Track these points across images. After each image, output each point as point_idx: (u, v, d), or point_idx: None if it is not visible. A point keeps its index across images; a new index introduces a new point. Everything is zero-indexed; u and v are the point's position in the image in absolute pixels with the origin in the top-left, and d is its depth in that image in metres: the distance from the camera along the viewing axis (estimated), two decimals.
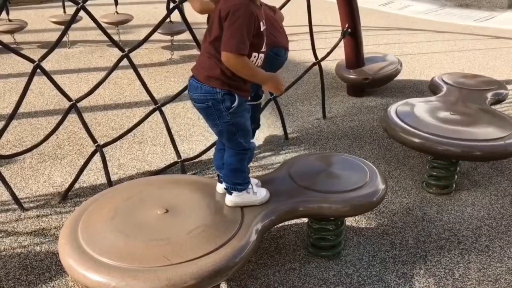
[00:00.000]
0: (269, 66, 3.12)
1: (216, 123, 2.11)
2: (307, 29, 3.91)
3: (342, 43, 4.43)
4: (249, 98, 2.20)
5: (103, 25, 3.21)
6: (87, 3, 2.91)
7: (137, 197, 2.25)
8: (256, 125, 3.20)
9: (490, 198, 3.02)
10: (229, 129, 2.11)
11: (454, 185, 3.08)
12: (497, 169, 3.35)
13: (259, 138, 3.78)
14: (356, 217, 2.80)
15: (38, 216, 2.83)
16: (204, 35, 2.09)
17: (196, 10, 2.30)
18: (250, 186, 2.24)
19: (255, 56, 2.04)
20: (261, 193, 2.27)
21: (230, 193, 2.23)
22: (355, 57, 4.54)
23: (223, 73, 2.01)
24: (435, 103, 3.40)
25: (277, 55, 3.02)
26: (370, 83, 4.51)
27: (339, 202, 2.28)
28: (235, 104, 2.05)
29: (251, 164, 2.40)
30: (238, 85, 2.05)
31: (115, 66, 3.07)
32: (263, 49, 2.08)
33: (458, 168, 3.05)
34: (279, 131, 3.90)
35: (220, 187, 2.34)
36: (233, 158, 2.20)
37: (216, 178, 2.42)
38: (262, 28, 2.02)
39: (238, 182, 2.21)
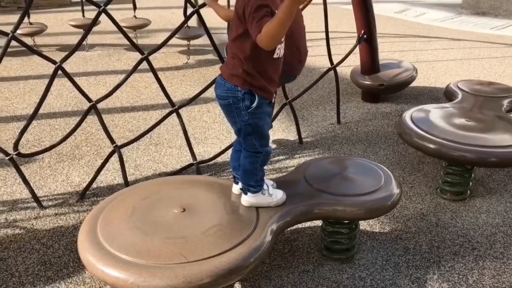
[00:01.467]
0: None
1: (235, 120, 2.15)
2: (322, 35, 3.94)
3: (357, 49, 4.45)
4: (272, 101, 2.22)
5: None
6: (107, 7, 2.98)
7: (154, 196, 2.29)
8: None
9: (505, 206, 3.01)
10: (246, 129, 2.15)
11: (468, 192, 3.08)
12: None
13: (273, 142, 3.81)
14: (370, 221, 2.81)
15: (56, 214, 2.89)
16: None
17: (222, 18, 2.39)
18: (265, 188, 2.27)
19: (278, 48, 2.05)
20: (277, 195, 2.30)
21: (246, 193, 2.27)
22: (371, 63, 4.55)
23: (245, 72, 2.05)
24: (450, 109, 3.40)
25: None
26: (385, 89, 4.52)
27: (353, 205, 2.30)
28: (254, 104, 2.09)
29: (265, 167, 2.42)
30: (260, 85, 2.08)
31: (135, 68, 3.13)
32: (283, 39, 2.05)
33: (473, 175, 3.04)
34: (293, 135, 3.92)
35: (236, 188, 2.37)
36: (247, 160, 2.24)
37: (232, 179, 2.45)
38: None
39: (251, 184, 2.25)
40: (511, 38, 7.11)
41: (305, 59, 2.88)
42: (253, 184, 2.25)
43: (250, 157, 2.23)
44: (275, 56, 2.06)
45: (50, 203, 3.00)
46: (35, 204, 2.95)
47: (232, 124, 2.21)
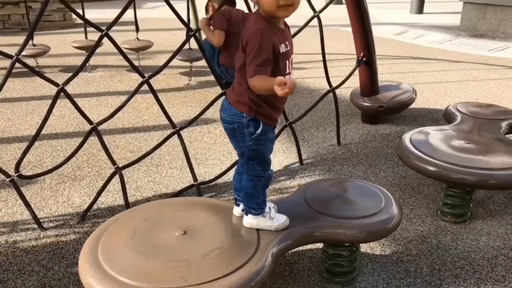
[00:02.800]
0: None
1: (239, 145, 2.18)
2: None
3: (357, 71, 4.49)
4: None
5: (124, 51, 3.31)
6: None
7: (155, 218, 2.30)
8: None
9: (506, 228, 3.00)
10: (249, 154, 2.18)
11: (469, 214, 3.08)
12: None
13: (274, 163, 3.82)
14: (371, 244, 2.80)
15: (57, 235, 2.88)
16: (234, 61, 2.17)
17: (215, 43, 2.44)
18: (267, 211, 2.28)
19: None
20: (279, 220, 2.30)
21: (247, 214, 2.29)
22: (370, 85, 4.60)
23: (250, 100, 2.08)
24: (449, 131, 3.42)
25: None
26: (385, 111, 4.56)
27: (354, 227, 2.30)
28: (259, 130, 2.12)
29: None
30: (265, 113, 2.11)
31: (136, 91, 3.16)
32: (288, 71, 2.11)
33: (473, 197, 3.05)
34: (294, 156, 3.94)
35: (237, 210, 2.38)
36: (248, 183, 2.25)
37: (233, 200, 2.46)
38: (283, 50, 2.04)
39: (252, 206, 2.26)
40: (509, 60, 7.19)
41: None
42: (255, 207, 2.26)
43: (252, 181, 2.24)
44: None
45: (50, 225, 3.00)
46: (35, 226, 2.95)
47: (236, 148, 2.24)
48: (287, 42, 2.08)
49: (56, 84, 2.92)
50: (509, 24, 8.44)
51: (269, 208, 2.31)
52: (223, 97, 2.32)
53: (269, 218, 2.27)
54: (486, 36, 8.70)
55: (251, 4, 2.12)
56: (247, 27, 2.03)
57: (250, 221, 2.27)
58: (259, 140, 2.15)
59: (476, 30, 8.87)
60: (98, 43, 3.11)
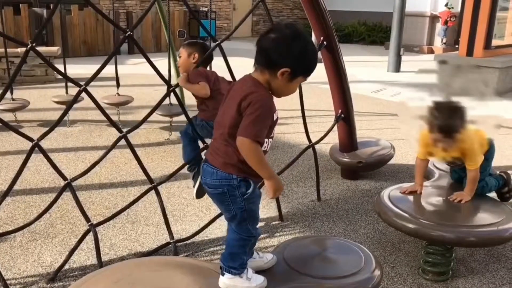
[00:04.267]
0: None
1: (230, 208, 2.13)
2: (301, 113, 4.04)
3: (336, 127, 4.55)
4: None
5: (104, 106, 3.30)
6: (90, 84, 3.02)
7: (127, 280, 2.20)
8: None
9: (488, 287, 2.96)
10: (242, 215, 2.14)
11: (450, 272, 3.03)
12: (493, 255, 3.31)
13: None
14: None
15: None
16: (216, 122, 2.15)
17: (203, 93, 2.50)
18: (245, 272, 2.21)
19: (266, 142, 2.11)
20: (257, 280, 2.23)
21: (223, 275, 2.21)
22: (349, 141, 4.64)
23: (240, 161, 2.05)
24: (428, 188, 3.42)
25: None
26: (364, 166, 4.58)
27: None
28: (250, 190, 2.11)
29: None
30: (254, 172, 2.08)
31: (113, 146, 3.12)
32: (272, 135, 2.16)
33: (453, 254, 3.01)
34: (274, 212, 3.89)
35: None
36: (237, 243, 2.20)
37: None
38: (276, 117, 2.11)
39: (234, 266, 2.20)
40: (484, 117, 7.36)
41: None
42: (237, 266, 2.20)
43: (242, 241, 2.20)
44: (263, 149, 2.10)
45: (18, 286, 2.85)
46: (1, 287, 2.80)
47: (225, 212, 2.19)
48: (277, 110, 2.13)
49: (30, 139, 2.88)
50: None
51: (247, 269, 2.23)
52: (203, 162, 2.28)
53: (246, 278, 2.20)
54: (460, 94, 8.95)
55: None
56: (248, 91, 2.01)
57: (226, 281, 2.20)
58: (250, 199, 2.12)
59: (449, 88, 9.14)
60: (76, 98, 3.10)
